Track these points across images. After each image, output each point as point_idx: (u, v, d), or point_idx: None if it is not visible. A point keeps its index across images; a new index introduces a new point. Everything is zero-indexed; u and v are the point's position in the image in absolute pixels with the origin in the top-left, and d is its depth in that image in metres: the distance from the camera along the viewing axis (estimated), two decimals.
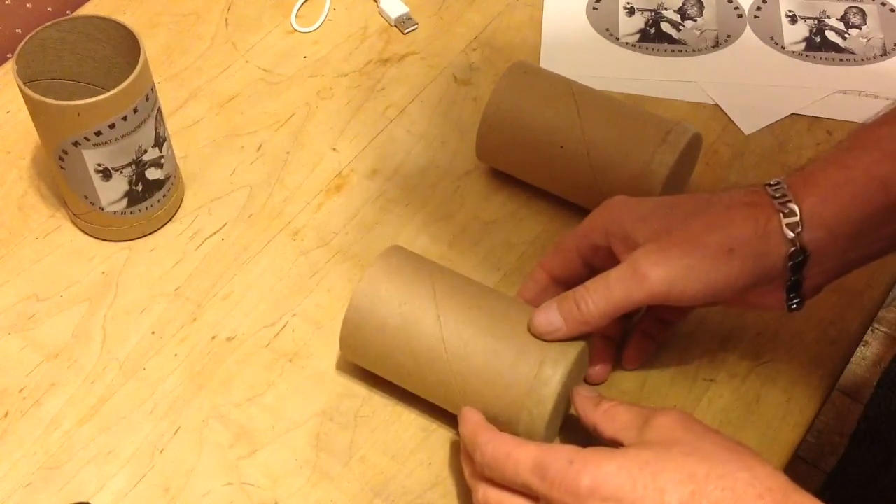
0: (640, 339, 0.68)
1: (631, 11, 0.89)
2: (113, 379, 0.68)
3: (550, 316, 0.60)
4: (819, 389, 0.68)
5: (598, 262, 0.63)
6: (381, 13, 0.89)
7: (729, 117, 0.82)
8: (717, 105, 0.82)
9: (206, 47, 0.86)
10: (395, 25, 0.88)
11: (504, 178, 0.77)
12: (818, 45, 0.86)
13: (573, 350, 0.60)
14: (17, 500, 0.63)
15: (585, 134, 0.71)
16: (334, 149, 0.80)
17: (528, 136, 0.73)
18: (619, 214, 0.62)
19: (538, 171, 0.74)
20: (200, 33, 0.87)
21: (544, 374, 0.59)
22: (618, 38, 0.87)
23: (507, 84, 0.74)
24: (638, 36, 0.87)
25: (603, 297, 0.59)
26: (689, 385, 0.68)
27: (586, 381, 0.67)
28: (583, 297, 0.60)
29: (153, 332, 0.70)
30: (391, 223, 0.76)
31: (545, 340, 0.60)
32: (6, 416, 0.67)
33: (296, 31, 0.88)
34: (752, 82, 0.84)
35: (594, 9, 0.89)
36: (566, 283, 0.64)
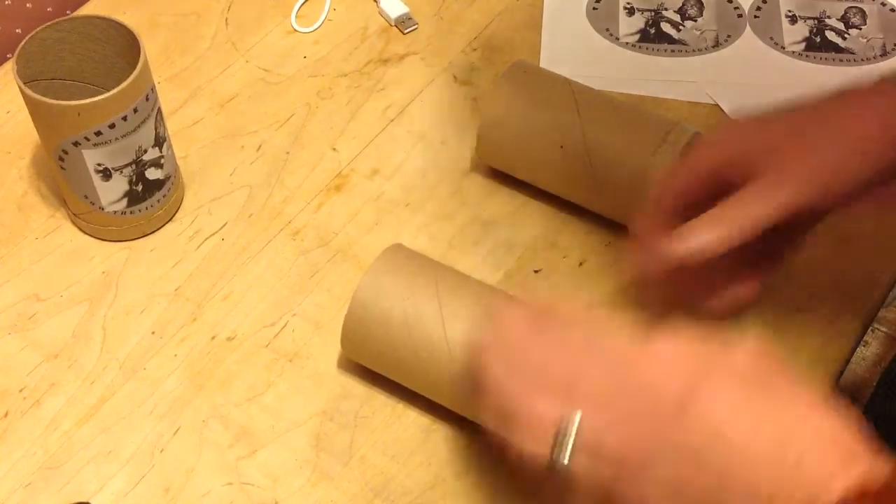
0: (757, 265, 0.67)
1: (631, 11, 0.89)
2: (113, 379, 0.68)
3: (701, 230, 0.60)
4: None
5: (719, 190, 0.62)
6: (381, 13, 0.89)
7: (729, 117, 0.82)
8: (717, 105, 0.82)
9: (206, 47, 0.86)
10: (395, 25, 0.88)
11: (504, 178, 0.77)
12: (818, 45, 0.86)
13: None
14: (17, 500, 0.63)
15: (585, 134, 0.71)
16: (334, 149, 0.80)
17: (528, 136, 0.73)
18: (742, 136, 0.62)
19: (538, 171, 0.74)
20: (200, 33, 0.87)
21: None
22: (618, 38, 0.87)
23: (507, 84, 0.74)
24: (638, 36, 0.87)
25: (743, 211, 0.59)
26: None
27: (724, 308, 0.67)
28: (722, 214, 0.59)
29: (153, 332, 0.70)
30: (391, 223, 0.76)
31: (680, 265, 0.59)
32: (6, 416, 0.67)
33: (296, 31, 0.88)
34: (752, 82, 0.84)
35: (594, 9, 0.89)
36: (686, 211, 0.63)
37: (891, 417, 0.96)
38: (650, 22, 0.88)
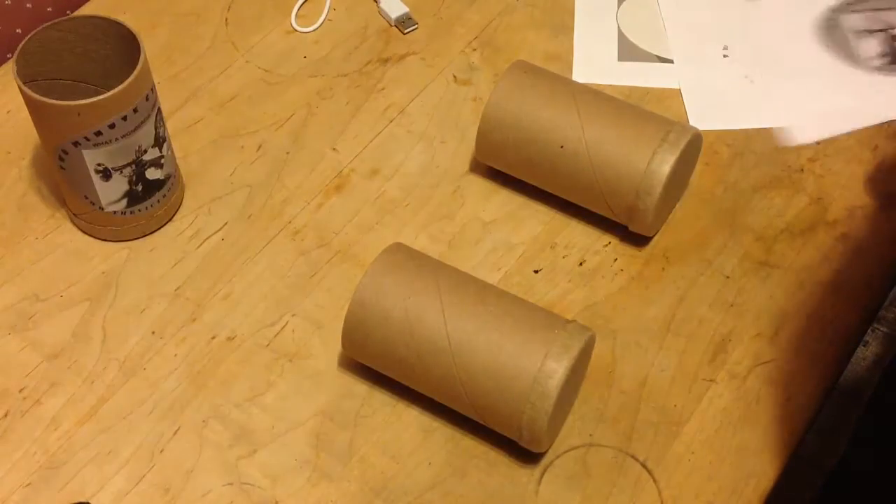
0: None
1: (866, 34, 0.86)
2: (113, 379, 0.68)
3: None
4: (819, 389, 0.68)
5: None
6: (381, 13, 0.89)
7: None
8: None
9: (206, 47, 0.86)
10: (395, 25, 0.88)
11: (504, 178, 0.77)
12: None
13: (577, 344, 0.61)
14: (17, 500, 0.63)
15: (585, 134, 0.71)
16: (334, 149, 0.80)
17: (528, 136, 0.73)
18: None
19: (538, 171, 0.74)
20: (200, 33, 0.87)
21: (548, 367, 0.60)
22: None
23: (507, 84, 0.74)
24: (888, 59, 0.84)
25: None
26: (689, 385, 0.68)
27: None
28: None
29: (153, 332, 0.70)
30: (391, 223, 0.76)
31: None
32: (6, 416, 0.67)
33: (296, 31, 0.88)
34: None
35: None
36: None
37: (891, 417, 0.96)
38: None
